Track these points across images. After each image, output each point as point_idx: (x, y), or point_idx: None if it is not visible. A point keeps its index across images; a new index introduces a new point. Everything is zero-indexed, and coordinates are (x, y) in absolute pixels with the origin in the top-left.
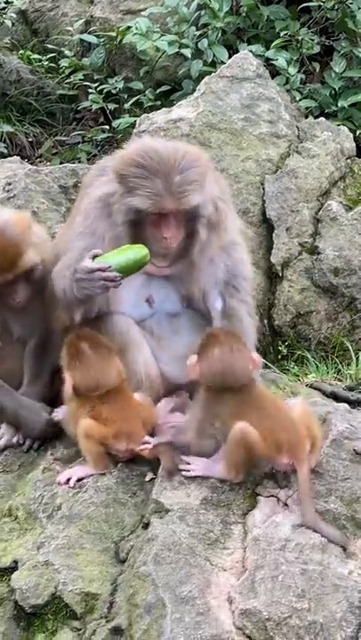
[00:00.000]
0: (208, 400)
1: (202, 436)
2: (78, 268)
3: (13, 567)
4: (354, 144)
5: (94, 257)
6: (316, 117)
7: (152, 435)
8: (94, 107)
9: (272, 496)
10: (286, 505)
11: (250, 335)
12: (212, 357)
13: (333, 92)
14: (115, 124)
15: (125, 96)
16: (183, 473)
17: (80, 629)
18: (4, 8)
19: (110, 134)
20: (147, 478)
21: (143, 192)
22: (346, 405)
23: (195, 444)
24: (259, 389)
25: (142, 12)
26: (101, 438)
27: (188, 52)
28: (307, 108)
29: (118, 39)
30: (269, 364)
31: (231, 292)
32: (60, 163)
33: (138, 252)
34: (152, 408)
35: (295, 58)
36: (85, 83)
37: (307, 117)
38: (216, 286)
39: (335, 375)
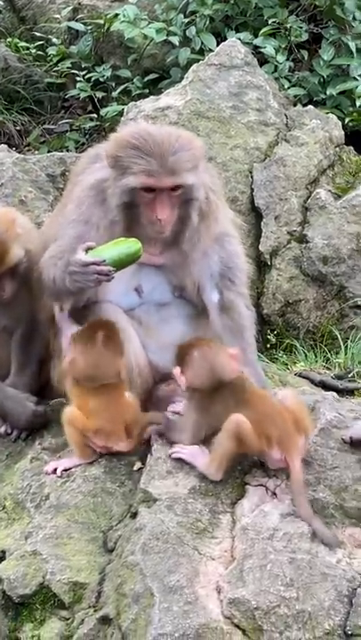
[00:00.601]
0: (201, 401)
1: (197, 438)
2: (72, 261)
3: (1, 557)
4: (342, 132)
5: (87, 249)
6: (304, 105)
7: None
8: (82, 95)
9: (260, 485)
10: (275, 494)
11: (249, 328)
12: (194, 362)
13: (322, 79)
14: (103, 112)
15: (113, 84)
16: (169, 450)
17: (68, 619)
18: None
19: (98, 123)
20: (135, 468)
21: (137, 169)
22: (334, 394)
23: (189, 440)
24: (249, 385)
25: (130, 0)
26: (83, 429)
27: (175, 40)
28: (295, 96)
29: (106, 27)
30: (258, 354)
31: (227, 285)
32: (48, 151)
33: (131, 245)
34: (137, 412)
35: (283, 45)
36: (73, 71)
37: (295, 105)
38: (211, 279)
39: (324, 364)
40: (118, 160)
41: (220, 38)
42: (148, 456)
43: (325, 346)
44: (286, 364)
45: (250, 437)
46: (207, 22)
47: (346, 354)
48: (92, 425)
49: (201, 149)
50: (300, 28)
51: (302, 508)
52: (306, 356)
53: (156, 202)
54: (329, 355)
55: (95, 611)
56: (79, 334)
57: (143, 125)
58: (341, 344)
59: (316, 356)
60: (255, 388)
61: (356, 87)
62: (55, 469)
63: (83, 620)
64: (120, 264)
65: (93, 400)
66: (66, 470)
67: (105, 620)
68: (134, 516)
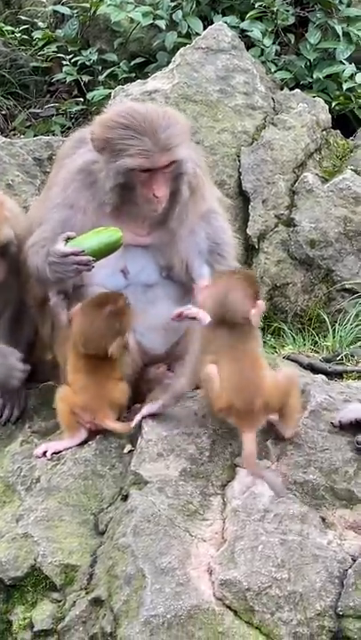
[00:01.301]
0: (206, 335)
1: (196, 374)
2: (51, 252)
3: None
4: (329, 116)
5: (67, 239)
6: (291, 89)
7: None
8: (68, 79)
9: None
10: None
11: None
12: (216, 286)
13: (308, 63)
14: (89, 96)
15: (100, 68)
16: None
17: (60, 601)
18: None
19: (84, 107)
20: (125, 450)
21: (133, 151)
22: (324, 377)
23: (189, 381)
24: (252, 344)
25: None
26: (71, 405)
27: (162, 24)
28: (282, 80)
29: (92, 10)
30: None
31: (218, 259)
32: (34, 135)
33: (112, 234)
34: (125, 393)
35: (270, 29)
36: (59, 55)
37: (282, 89)
38: (200, 255)
39: (312, 347)
40: (109, 142)
41: (207, 22)
42: (139, 438)
43: (313, 329)
44: (274, 348)
45: (213, 394)
46: (194, 6)
47: (334, 337)
48: (79, 400)
49: (187, 124)
50: (287, 11)
51: (251, 466)
52: (294, 339)
53: (152, 180)
54: (317, 338)
55: (87, 593)
56: (94, 302)
57: (128, 104)
58: (329, 327)
59: (304, 340)
60: (256, 350)
61: (343, 71)
62: (45, 452)
63: (74, 602)
64: (100, 253)
65: (84, 376)
66: (56, 453)
67: (96, 602)
68: (125, 498)
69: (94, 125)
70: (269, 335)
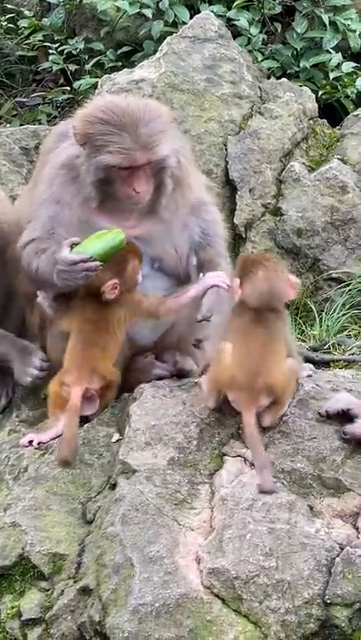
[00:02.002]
0: (235, 318)
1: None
2: (59, 260)
3: None
4: (316, 105)
5: (72, 245)
6: (277, 78)
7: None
8: (55, 68)
9: (239, 456)
10: (253, 465)
11: None
12: (258, 278)
13: (295, 52)
14: (76, 85)
15: (86, 57)
16: None
17: (48, 590)
18: None
19: (71, 95)
20: (113, 439)
21: (113, 148)
22: (311, 366)
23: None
24: (276, 327)
25: None
26: (59, 378)
27: (149, 13)
28: (269, 69)
29: None
30: None
31: (206, 249)
32: (20, 124)
33: (115, 237)
34: (109, 365)
35: (257, 18)
36: (45, 43)
37: (269, 78)
38: (191, 247)
39: (299, 336)
40: (90, 137)
41: (194, 11)
42: (127, 427)
43: (300, 318)
44: None
45: (221, 370)
46: None
47: (321, 326)
48: (65, 366)
49: (168, 115)
50: (274, 0)
51: (258, 458)
52: None
53: (132, 177)
54: (304, 327)
55: (75, 582)
56: (120, 260)
57: (109, 98)
58: (316, 316)
59: (291, 329)
60: (276, 332)
61: (330, 60)
62: (31, 442)
63: (63, 590)
64: (106, 257)
65: (70, 340)
66: (43, 443)
67: (85, 591)
68: (113, 487)
69: (76, 119)
70: None
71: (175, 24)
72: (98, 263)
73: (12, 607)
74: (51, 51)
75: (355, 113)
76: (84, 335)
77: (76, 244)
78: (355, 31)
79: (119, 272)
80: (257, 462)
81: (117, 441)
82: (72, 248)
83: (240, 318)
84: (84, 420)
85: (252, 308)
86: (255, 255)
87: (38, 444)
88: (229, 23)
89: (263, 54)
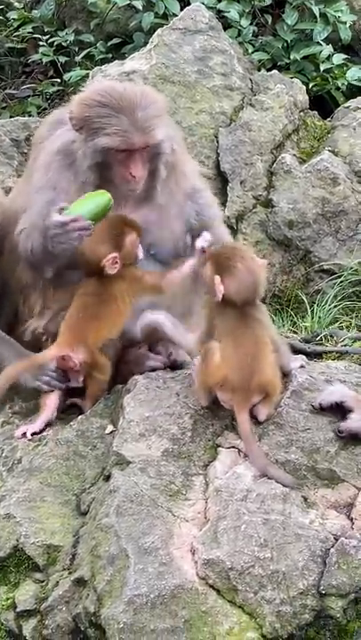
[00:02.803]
0: (215, 315)
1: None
2: (50, 224)
3: None
4: (307, 97)
5: (60, 210)
6: (268, 70)
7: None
8: (45, 60)
9: (233, 447)
10: (247, 456)
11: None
12: (241, 271)
13: (285, 44)
14: (66, 77)
15: (76, 49)
16: None
17: (43, 581)
18: None
19: (61, 87)
20: (107, 431)
21: (111, 130)
22: (304, 357)
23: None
24: (260, 323)
25: None
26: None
27: (139, 4)
28: (259, 61)
29: None
30: None
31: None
32: (10, 116)
33: (102, 197)
34: (99, 342)
35: (247, 10)
36: (35, 35)
37: (259, 70)
38: (189, 233)
39: (291, 328)
40: (87, 120)
41: (184, 3)
42: (121, 419)
43: (292, 310)
44: None
45: (210, 367)
46: None
47: (312, 318)
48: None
49: (164, 102)
50: None
51: (255, 458)
52: (273, 320)
53: (129, 160)
54: (295, 319)
55: (70, 573)
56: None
57: (107, 83)
58: (308, 308)
59: (282, 320)
60: (260, 326)
61: (320, 52)
62: (24, 433)
63: (57, 582)
64: (96, 217)
65: (68, 312)
66: (36, 434)
67: (80, 582)
68: (107, 478)
69: (72, 104)
70: None
71: (165, 16)
72: (89, 222)
73: (7, 599)
74: (41, 43)
75: (345, 105)
76: (84, 307)
77: (64, 210)
78: (345, 23)
79: (118, 246)
80: (256, 465)
81: (111, 432)
82: (60, 213)
83: (223, 316)
84: (79, 411)
85: (238, 303)
86: (224, 247)
87: (32, 434)
88: (220, 15)
89: (254, 46)
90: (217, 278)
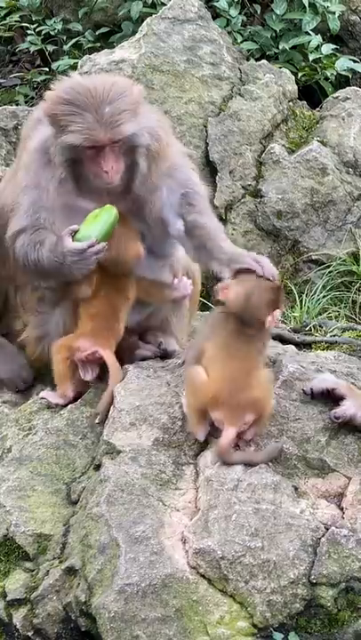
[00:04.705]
0: (216, 322)
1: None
2: (68, 252)
3: None
4: (296, 87)
5: (72, 233)
6: (257, 60)
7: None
8: (32, 48)
9: None
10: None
11: (222, 236)
12: (243, 284)
13: (274, 34)
14: (54, 65)
15: (64, 38)
16: None
17: (33, 570)
18: None
19: (49, 76)
20: (97, 420)
21: (75, 127)
22: (294, 347)
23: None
24: (256, 346)
25: None
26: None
27: None
28: (248, 51)
29: None
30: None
31: (188, 209)
32: None
33: (109, 214)
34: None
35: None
36: (22, 24)
37: (248, 60)
38: (171, 209)
39: (280, 318)
40: (55, 118)
41: None
42: (111, 408)
43: None
44: None
45: (198, 385)
46: None
47: (301, 308)
48: (86, 329)
49: (138, 93)
50: None
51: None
52: None
53: (99, 156)
54: (284, 309)
55: (60, 562)
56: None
57: (76, 79)
58: (297, 298)
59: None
60: (256, 352)
61: (309, 42)
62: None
63: (48, 571)
64: (107, 235)
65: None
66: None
67: (70, 571)
68: (98, 467)
69: (45, 100)
70: None
71: (154, 5)
72: (103, 244)
73: None
74: (28, 31)
75: (334, 95)
76: (112, 309)
77: (76, 232)
78: (334, 13)
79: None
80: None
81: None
82: (73, 236)
83: (222, 329)
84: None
85: (235, 313)
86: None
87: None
88: (209, 4)
89: (242, 36)
90: (228, 281)
